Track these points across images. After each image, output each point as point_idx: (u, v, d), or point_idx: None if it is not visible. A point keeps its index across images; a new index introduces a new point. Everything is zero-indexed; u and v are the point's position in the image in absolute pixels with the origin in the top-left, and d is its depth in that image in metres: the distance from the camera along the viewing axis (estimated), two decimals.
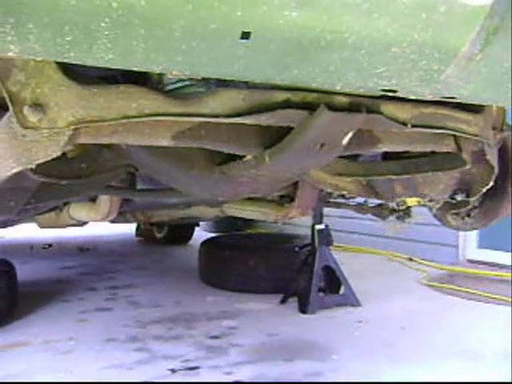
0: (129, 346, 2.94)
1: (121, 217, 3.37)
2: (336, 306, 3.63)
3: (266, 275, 4.02)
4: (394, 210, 3.08)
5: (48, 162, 1.24)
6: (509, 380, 2.39)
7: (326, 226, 3.79)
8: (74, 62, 0.94)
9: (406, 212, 2.97)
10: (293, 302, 3.71)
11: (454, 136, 1.81)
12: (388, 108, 1.50)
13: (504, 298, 3.69)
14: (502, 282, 4.20)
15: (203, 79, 1.22)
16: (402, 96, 1.25)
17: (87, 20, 0.81)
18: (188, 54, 0.93)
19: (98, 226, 5.03)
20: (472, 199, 2.16)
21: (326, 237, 3.73)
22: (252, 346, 2.95)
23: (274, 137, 1.51)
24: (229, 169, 1.71)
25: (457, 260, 4.98)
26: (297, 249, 4.09)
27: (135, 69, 0.99)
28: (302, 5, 0.84)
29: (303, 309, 3.55)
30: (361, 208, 3.15)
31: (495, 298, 3.73)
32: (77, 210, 2.97)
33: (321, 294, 3.68)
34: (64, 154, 1.27)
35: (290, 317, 3.49)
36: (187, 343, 2.99)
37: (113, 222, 3.38)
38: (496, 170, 1.94)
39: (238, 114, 1.33)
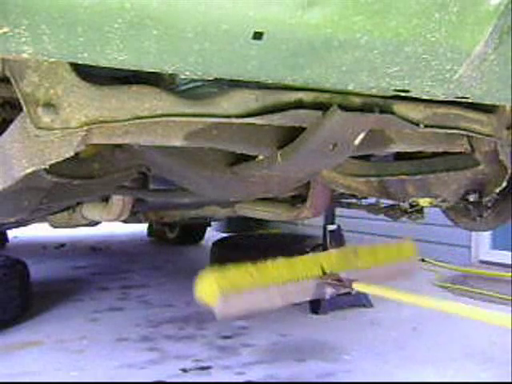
0: (141, 346, 2.95)
1: (133, 217, 3.38)
2: (348, 307, 3.62)
3: None
4: (406, 211, 3.07)
5: (61, 162, 1.24)
6: None
7: (338, 226, 3.78)
8: (87, 63, 0.94)
9: (419, 212, 2.95)
10: (304, 303, 3.71)
11: (467, 136, 1.81)
12: (401, 108, 1.49)
13: None
14: None
15: (216, 79, 1.22)
16: (414, 96, 1.24)
17: (100, 21, 0.81)
18: (200, 55, 0.93)
19: (111, 225, 5.05)
20: (485, 200, 2.14)
21: (337, 237, 3.72)
22: (264, 346, 2.95)
23: (287, 137, 1.51)
24: (241, 169, 1.71)
25: (469, 261, 4.95)
26: (308, 249, 4.08)
27: (148, 69, 1.00)
28: (314, 5, 0.84)
29: (315, 309, 3.54)
30: (373, 208, 3.14)
31: (508, 300, 3.70)
32: (89, 210, 2.98)
33: None
34: (77, 154, 1.27)
35: (301, 317, 3.48)
36: (199, 343, 3.00)
37: (125, 222, 3.39)
38: (509, 171, 1.93)
39: (251, 115, 1.33)
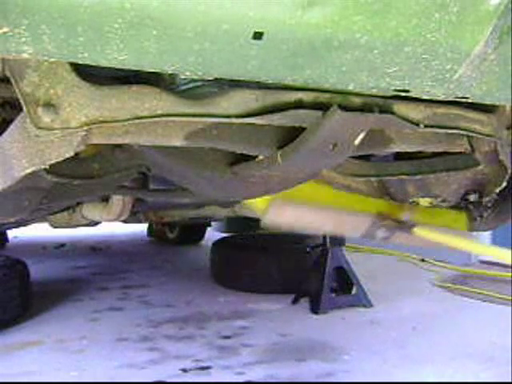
0: (141, 346, 2.96)
1: (133, 217, 3.38)
2: (348, 307, 3.62)
3: (278, 275, 4.02)
4: None
5: (61, 162, 1.24)
6: None
7: None
8: (87, 63, 0.94)
9: None
10: (304, 303, 3.71)
11: (467, 136, 1.80)
12: (401, 108, 1.49)
13: None
14: None
15: (216, 79, 1.22)
16: (414, 96, 1.24)
17: (100, 21, 0.81)
18: (200, 55, 0.93)
19: (111, 225, 5.05)
20: (485, 200, 2.14)
21: (337, 237, 3.72)
22: (263, 346, 2.95)
23: (287, 137, 1.51)
24: (241, 169, 1.71)
25: (469, 261, 4.95)
26: (309, 249, 4.09)
27: (148, 69, 1.00)
28: (314, 5, 0.84)
29: (315, 309, 3.54)
30: None
31: (508, 300, 3.70)
32: (89, 210, 2.99)
33: (332, 294, 3.68)
34: (77, 154, 1.27)
35: (301, 317, 3.49)
36: (199, 343, 3.00)
37: (125, 222, 3.39)
38: (509, 171, 1.93)
39: (251, 115, 1.33)
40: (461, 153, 1.90)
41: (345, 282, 3.73)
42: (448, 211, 2.23)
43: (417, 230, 1.97)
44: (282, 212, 1.89)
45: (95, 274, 4.89)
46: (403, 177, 2.00)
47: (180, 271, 4.97)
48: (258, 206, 1.97)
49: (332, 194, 1.94)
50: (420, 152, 1.93)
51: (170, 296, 4.02)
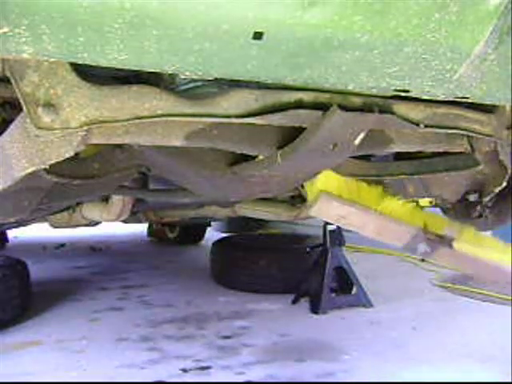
0: (141, 346, 2.96)
1: (133, 217, 3.38)
2: (347, 307, 3.62)
3: (278, 275, 4.02)
4: None
5: (61, 162, 1.24)
6: None
7: (338, 226, 3.78)
8: (87, 63, 0.94)
9: None
10: (304, 303, 3.71)
11: (467, 136, 1.81)
12: (401, 108, 1.49)
13: None
14: None
15: (216, 79, 1.22)
16: (414, 96, 1.24)
17: (100, 21, 0.81)
18: (200, 55, 0.93)
19: (111, 225, 5.04)
20: (485, 200, 2.14)
21: (337, 237, 3.72)
22: (263, 346, 2.95)
23: (287, 137, 1.51)
24: (241, 169, 1.71)
25: None
26: (308, 249, 4.09)
27: (148, 69, 1.00)
28: (314, 5, 0.84)
29: (315, 309, 3.55)
30: None
31: (508, 300, 3.70)
32: (89, 210, 2.99)
33: (332, 294, 3.68)
34: (77, 154, 1.27)
35: (301, 317, 3.49)
36: (199, 343, 3.00)
37: (125, 222, 3.39)
38: (509, 171, 1.93)
39: (251, 115, 1.33)
40: (461, 153, 1.90)
41: (345, 282, 3.73)
42: (495, 240, 2.14)
43: (457, 244, 1.92)
44: (329, 205, 1.87)
45: (95, 273, 4.89)
46: (403, 177, 2.00)
47: (180, 271, 4.97)
48: (311, 192, 1.94)
49: (381, 197, 1.92)
50: (420, 152, 1.93)
51: (170, 296, 4.02)
